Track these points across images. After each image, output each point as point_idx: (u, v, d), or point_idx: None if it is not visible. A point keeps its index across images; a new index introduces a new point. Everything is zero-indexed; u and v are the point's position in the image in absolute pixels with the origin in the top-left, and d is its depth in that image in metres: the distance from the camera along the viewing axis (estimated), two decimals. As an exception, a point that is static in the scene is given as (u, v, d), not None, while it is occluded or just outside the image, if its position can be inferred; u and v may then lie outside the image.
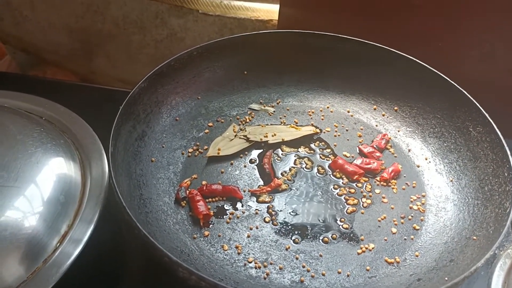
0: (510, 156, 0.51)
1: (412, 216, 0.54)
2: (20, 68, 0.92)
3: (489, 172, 0.53)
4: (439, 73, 0.60)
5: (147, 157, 0.56)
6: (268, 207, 0.54)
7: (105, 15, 0.83)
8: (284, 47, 0.66)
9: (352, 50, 0.65)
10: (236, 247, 0.50)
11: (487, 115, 0.55)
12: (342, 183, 0.57)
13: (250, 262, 0.49)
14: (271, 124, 0.64)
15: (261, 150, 0.60)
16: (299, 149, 0.61)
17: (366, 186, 0.57)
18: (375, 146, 0.61)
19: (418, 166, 0.59)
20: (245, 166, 0.58)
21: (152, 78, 0.57)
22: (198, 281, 0.39)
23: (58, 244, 0.48)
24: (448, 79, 0.59)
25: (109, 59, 0.89)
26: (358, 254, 0.50)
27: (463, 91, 0.58)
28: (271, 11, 0.77)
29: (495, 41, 0.68)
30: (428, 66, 0.61)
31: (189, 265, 0.46)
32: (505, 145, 0.52)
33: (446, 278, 0.45)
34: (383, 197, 0.56)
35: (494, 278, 0.54)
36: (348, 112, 0.66)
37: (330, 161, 0.59)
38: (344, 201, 0.55)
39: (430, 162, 0.59)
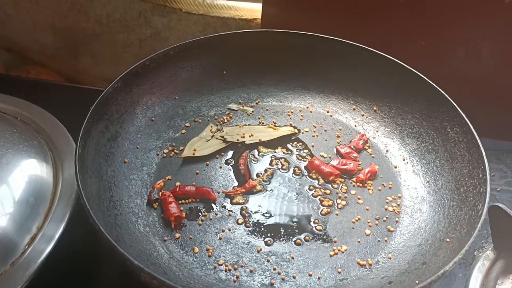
0: (485, 157, 0.50)
1: (387, 218, 0.53)
2: (5, 67, 0.92)
3: (465, 173, 0.52)
4: (417, 73, 0.59)
5: (120, 158, 0.55)
6: (241, 209, 0.53)
7: (89, 14, 0.83)
8: (263, 47, 0.66)
9: (333, 50, 0.64)
10: (207, 250, 0.49)
11: (464, 115, 0.54)
12: (318, 184, 0.56)
13: (220, 265, 0.48)
14: (249, 125, 0.63)
15: (238, 151, 0.60)
16: (276, 150, 0.60)
17: (342, 187, 0.56)
18: (352, 146, 0.60)
19: (396, 167, 0.58)
20: (220, 167, 0.58)
21: (126, 78, 0.57)
22: (160, 286, 0.38)
23: (27, 246, 0.47)
24: (427, 79, 0.58)
25: (94, 58, 0.89)
26: (331, 256, 0.50)
27: (441, 91, 0.57)
28: (255, 10, 0.76)
29: (480, 40, 0.67)
30: (407, 66, 0.60)
31: (157, 268, 0.46)
32: (481, 146, 0.51)
33: (417, 281, 0.45)
34: (359, 198, 0.55)
35: (472, 280, 0.53)
36: (328, 112, 0.65)
37: (306, 162, 0.59)
38: (319, 202, 0.54)
39: (407, 162, 0.58)
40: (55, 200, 0.51)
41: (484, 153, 0.50)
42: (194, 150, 0.59)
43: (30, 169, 0.52)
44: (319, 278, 0.48)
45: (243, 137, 0.61)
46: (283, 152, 0.60)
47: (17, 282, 0.45)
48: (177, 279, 0.45)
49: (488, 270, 0.54)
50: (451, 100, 0.56)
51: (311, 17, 0.71)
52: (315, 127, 0.63)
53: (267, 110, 0.65)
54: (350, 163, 0.58)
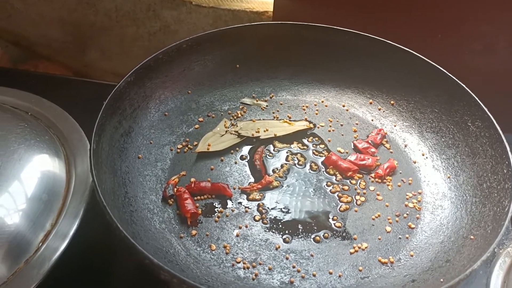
0: (509, 152, 0.49)
1: (407, 214, 0.52)
2: (12, 62, 0.91)
3: (487, 168, 0.51)
4: (437, 65, 0.58)
5: (134, 153, 0.54)
6: (258, 205, 0.52)
7: (97, 7, 0.81)
8: (277, 40, 0.64)
9: (348, 43, 0.63)
10: (224, 247, 0.48)
11: (486, 109, 0.53)
12: (336, 180, 0.55)
13: (239, 263, 0.47)
14: (264, 119, 0.62)
15: (253, 146, 0.59)
16: (292, 145, 0.59)
17: (360, 183, 0.55)
18: (370, 141, 0.59)
19: (415, 162, 0.57)
20: (235, 163, 0.57)
21: (139, 72, 0.56)
22: (180, 284, 0.37)
23: (41, 243, 0.46)
24: (446, 72, 0.57)
25: (102, 52, 0.88)
26: (351, 253, 0.48)
27: (462, 84, 0.56)
28: (266, 3, 0.75)
29: (497, 34, 0.66)
30: (426, 59, 0.59)
31: (174, 266, 0.45)
32: (505, 140, 0.50)
33: (442, 280, 0.43)
34: (378, 194, 0.54)
35: (493, 278, 0.52)
36: (343, 106, 0.64)
37: (323, 157, 0.57)
38: (337, 198, 0.53)
39: (427, 158, 0.57)
40: (69, 196, 0.50)
41: (508, 148, 0.49)
42: (209, 145, 0.58)
43: (43, 165, 0.51)
44: (339, 276, 0.47)
45: (258, 132, 0.60)
46: (299, 147, 0.59)
47: (32, 280, 0.44)
48: (195, 277, 0.44)
49: (509, 267, 0.52)
50: (472, 94, 0.55)
51: (323, 9, 0.69)
52: (331, 121, 0.62)
53: (281, 104, 0.64)
54: (368, 159, 0.56)
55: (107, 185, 0.48)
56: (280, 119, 0.62)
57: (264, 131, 0.60)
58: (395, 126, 0.61)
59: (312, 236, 0.50)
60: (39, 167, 0.51)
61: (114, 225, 0.40)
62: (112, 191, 0.48)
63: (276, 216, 0.51)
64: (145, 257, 0.38)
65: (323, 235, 0.50)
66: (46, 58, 0.90)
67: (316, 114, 0.63)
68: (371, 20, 0.68)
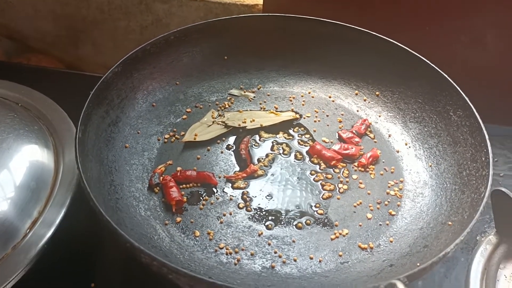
0: (487, 140, 0.50)
1: (388, 202, 0.53)
2: (6, 55, 0.92)
3: (467, 156, 0.52)
4: (421, 56, 0.59)
5: (121, 143, 0.55)
6: (242, 193, 0.53)
7: (90, 1, 0.82)
8: (265, 32, 0.65)
9: (335, 34, 0.63)
10: (208, 233, 0.49)
11: (467, 98, 0.54)
12: (320, 169, 0.56)
13: (221, 248, 0.48)
14: (251, 110, 0.63)
15: (239, 136, 0.60)
16: (278, 135, 0.60)
17: (343, 172, 0.56)
18: (354, 131, 0.60)
19: (398, 151, 0.58)
20: (221, 152, 0.58)
21: (126, 63, 0.57)
22: (160, 267, 0.38)
23: (28, 230, 0.48)
24: (430, 62, 0.58)
25: (95, 45, 0.88)
26: (332, 239, 0.49)
27: (444, 75, 0.57)
28: (256, -4, 0.76)
29: (484, 27, 0.66)
30: (410, 50, 0.59)
31: (158, 251, 0.46)
32: (484, 129, 0.51)
33: (418, 264, 0.44)
34: (360, 183, 0.55)
35: (474, 264, 0.53)
36: (330, 97, 0.65)
37: (308, 147, 0.58)
38: (321, 187, 0.54)
39: (410, 147, 0.58)
40: (56, 185, 0.51)
41: (487, 136, 0.50)
42: (195, 135, 0.59)
43: (31, 154, 0.52)
44: (320, 261, 0.48)
45: (245, 122, 0.61)
46: (285, 137, 0.60)
47: (19, 265, 0.45)
48: (178, 261, 0.45)
49: (490, 254, 0.53)
50: (454, 84, 0.56)
51: (312, 2, 0.70)
52: (317, 112, 0.63)
53: (268, 95, 0.65)
54: (352, 148, 0.57)
55: (93, 173, 0.49)
56: (267, 110, 0.63)
57: (251, 121, 0.61)
58: (379, 116, 0.62)
59: (295, 223, 0.51)
60: (28, 156, 0.52)
61: (97, 211, 0.41)
62: (98, 179, 0.49)
63: (260, 204, 0.52)
64: (126, 241, 0.39)
65: (305, 222, 0.51)
66: (39, 52, 0.91)
67: (303, 105, 0.64)
68: (359, 12, 0.69)
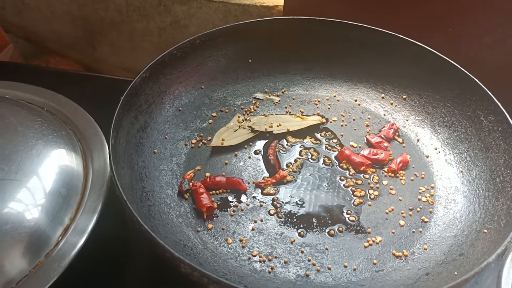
0: (523, 147, 0.49)
1: (420, 208, 0.52)
2: (23, 57, 0.91)
3: (500, 163, 0.51)
4: (449, 59, 0.58)
5: (150, 148, 0.55)
6: (273, 199, 0.53)
7: (108, 2, 0.82)
8: (289, 35, 0.64)
9: (360, 37, 0.63)
10: (240, 241, 0.49)
11: (499, 103, 0.53)
12: (349, 174, 0.56)
13: (255, 256, 0.48)
14: (276, 114, 0.63)
15: (266, 141, 0.59)
16: (305, 140, 0.60)
17: (373, 177, 0.55)
18: (382, 136, 0.59)
19: (427, 157, 0.58)
20: (249, 157, 0.57)
21: (154, 68, 0.56)
22: (200, 277, 0.38)
23: (60, 237, 0.47)
24: (458, 66, 0.57)
25: (112, 47, 0.88)
26: (365, 247, 0.49)
27: (474, 78, 0.56)
28: (276, -3, 0.75)
29: (508, 26, 0.65)
30: (438, 53, 0.59)
31: (192, 259, 0.45)
32: (518, 135, 0.50)
33: (456, 273, 0.44)
34: (391, 189, 0.54)
35: (504, 271, 0.52)
36: (356, 101, 0.64)
37: (336, 152, 0.58)
38: (351, 192, 0.54)
39: (439, 152, 0.58)
40: (87, 191, 0.51)
41: (522, 143, 0.49)
42: (223, 140, 0.58)
43: (60, 160, 0.52)
44: (354, 269, 0.47)
45: (271, 126, 0.60)
46: (312, 142, 0.59)
47: (53, 273, 0.44)
48: (213, 270, 0.45)
49: (521, 260, 0.53)
50: (485, 88, 0.55)
51: (334, 3, 0.69)
52: (343, 116, 0.62)
53: (293, 99, 0.65)
54: (381, 153, 0.57)
55: (125, 180, 0.48)
56: (292, 114, 0.63)
57: (277, 125, 0.60)
58: (407, 120, 0.61)
59: (327, 230, 0.50)
60: (57, 162, 0.52)
61: (134, 219, 0.41)
62: (131, 186, 0.49)
63: (291, 210, 0.52)
64: (166, 251, 0.39)
65: (337, 229, 0.50)
66: (57, 54, 0.90)
67: (329, 108, 0.63)
68: (383, 14, 0.68)
